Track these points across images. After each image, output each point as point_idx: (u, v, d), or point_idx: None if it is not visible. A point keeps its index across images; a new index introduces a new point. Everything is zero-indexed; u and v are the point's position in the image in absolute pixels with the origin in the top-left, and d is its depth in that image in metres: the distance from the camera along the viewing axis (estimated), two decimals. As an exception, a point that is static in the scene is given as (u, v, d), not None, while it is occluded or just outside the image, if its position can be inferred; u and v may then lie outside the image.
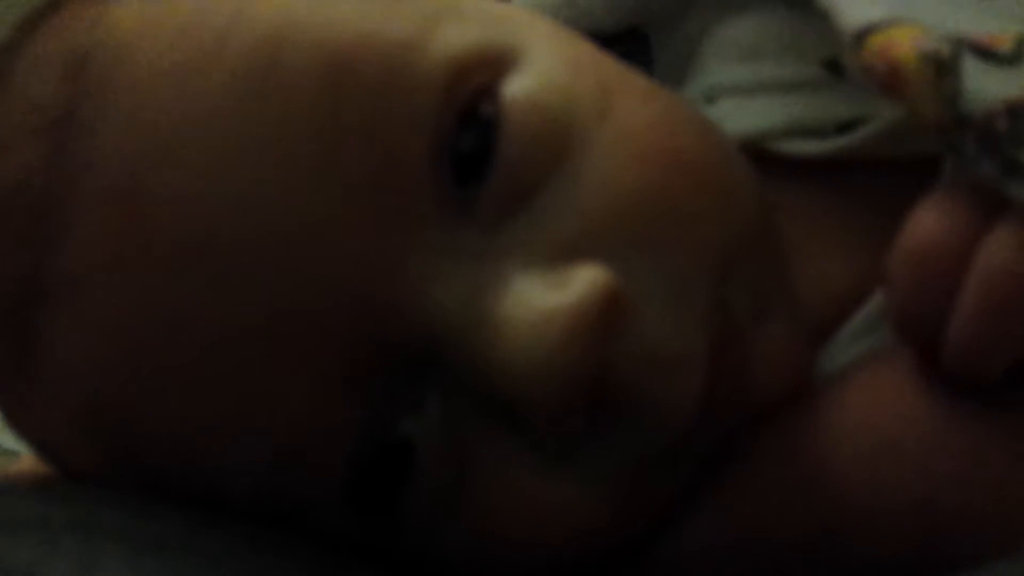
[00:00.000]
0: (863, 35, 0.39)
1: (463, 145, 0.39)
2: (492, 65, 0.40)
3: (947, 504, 0.38)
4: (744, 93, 0.48)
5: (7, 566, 0.36)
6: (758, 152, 0.46)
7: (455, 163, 0.39)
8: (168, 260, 0.38)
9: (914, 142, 0.43)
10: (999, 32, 0.38)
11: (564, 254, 0.39)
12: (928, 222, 0.38)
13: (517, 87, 0.40)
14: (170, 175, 0.38)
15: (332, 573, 0.39)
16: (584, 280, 0.38)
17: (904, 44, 0.38)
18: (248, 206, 0.37)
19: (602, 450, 0.39)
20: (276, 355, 0.38)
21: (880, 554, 0.39)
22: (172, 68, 0.39)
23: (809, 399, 0.41)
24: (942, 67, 0.37)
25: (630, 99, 0.41)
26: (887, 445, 0.39)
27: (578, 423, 0.38)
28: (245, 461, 0.39)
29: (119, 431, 0.40)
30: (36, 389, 0.41)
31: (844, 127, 0.46)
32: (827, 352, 0.44)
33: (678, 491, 0.41)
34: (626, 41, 0.49)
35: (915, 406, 0.39)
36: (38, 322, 0.40)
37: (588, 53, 0.43)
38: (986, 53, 0.37)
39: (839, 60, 0.45)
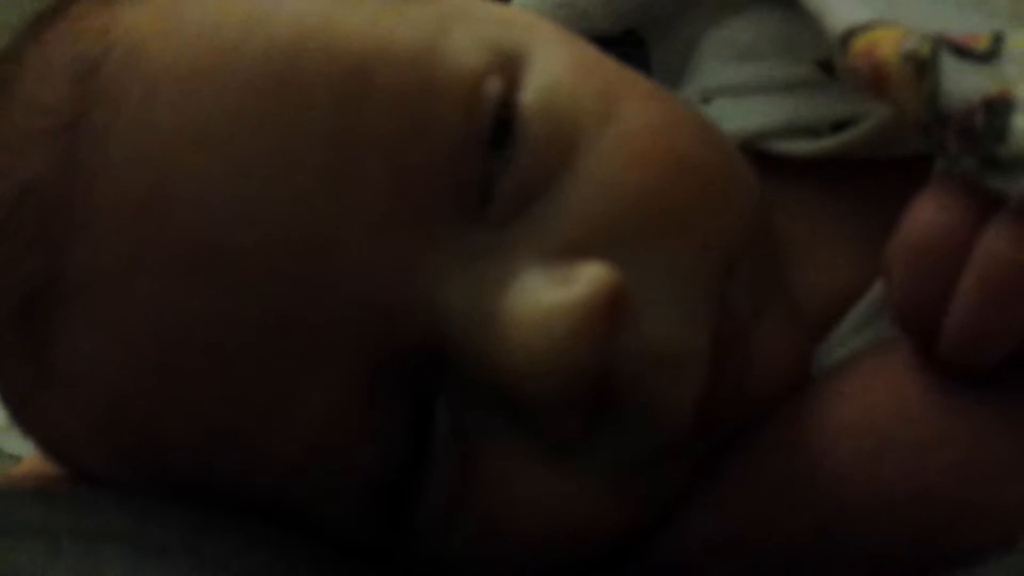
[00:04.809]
0: (848, 37, 0.39)
1: (491, 157, 0.39)
2: (505, 70, 0.40)
3: (946, 497, 0.38)
4: (739, 93, 0.48)
5: (9, 570, 0.36)
6: (753, 152, 0.46)
7: (481, 173, 0.39)
8: (181, 265, 0.38)
9: (907, 140, 0.43)
10: (978, 31, 0.38)
11: (569, 253, 0.39)
12: (926, 214, 0.38)
13: (529, 93, 0.40)
14: (183, 181, 0.38)
15: (332, 574, 0.39)
16: (588, 277, 0.38)
17: (887, 45, 0.38)
18: (260, 213, 0.38)
19: (605, 446, 0.40)
20: (289, 360, 0.38)
21: (878, 548, 0.39)
22: (186, 75, 0.39)
23: (807, 393, 0.41)
24: (922, 66, 0.37)
25: (632, 101, 0.42)
26: (886, 439, 0.39)
27: (581, 418, 0.39)
28: (258, 466, 0.39)
29: (132, 432, 0.40)
30: (50, 390, 0.41)
31: (839, 126, 0.46)
32: (825, 347, 0.44)
33: (680, 488, 0.41)
34: (623, 44, 0.50)
35: (914, 399, 0.39)
36: (52, 324, 0.40)
37: (591, 55, 0.44)
38: (964, 51, 0.37)
39: (833, 60, 0.45)
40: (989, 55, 0.37)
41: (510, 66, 0.41)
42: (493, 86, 0.40)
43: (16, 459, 0.65)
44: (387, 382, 0.39)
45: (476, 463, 0.40)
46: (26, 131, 0.41)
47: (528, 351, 0.38)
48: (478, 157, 0.39)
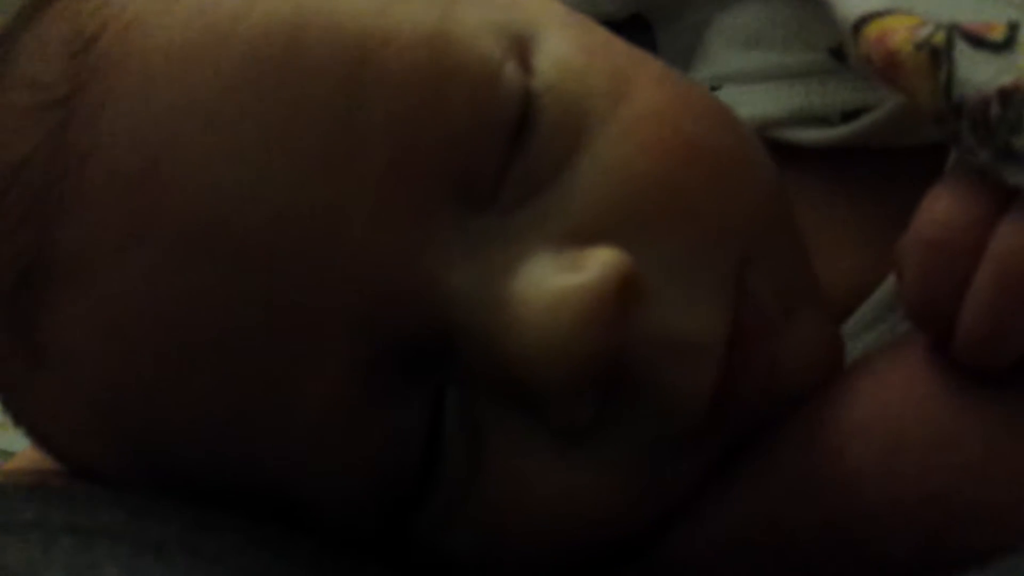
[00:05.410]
0: (861, 24, 0.39)
1: (508, 145, 0.39)
2: (518, 56, 0.40)
3: (960, 497, 0.38)
4: (749, 80, 0.48)
5: (4, 567, 0.36)
6: (762, 140, 0.45)
7: (497, 162, 0.39)
8: (176, 244, 0.37)
9: (919, 130, 0.43)
10: (993, 20, 0.37)
11: (579, 238, 0.38)
12: (941, 207, 0.37)
13: (541, 79, 0.40)
14: (179, 158, 0.37)
15: (331, 571, 0.39)
16: (600, 262, 0.37)
17: (900, 33, 0.38)
18: (259, 193, 0.37)
19: (615, 435, 0.39)
20: (289, 345, 0.37)
21: (891, 548, 0.38)
22: (182, 51, 0.38)
23: (821, 390, 0.41)
24: (936, 55, 0.37)
25: (643, 83, 0.41)
26: (900, 438, 0.39)
27: (590, 405, 0.38)
28: (256, 455, 0.39)
29: (127, 417, 0.40)
30: (42, 375, 0.41)
31: (850, 115, 0.46)
32: None
33: (694, 481, 0.40)
34: (629, 29, 0.49)
35: (928, 397, 0.39)
36: (42, 304, 0.39)
37: (600, 36, 0.43)
38: (979, 41, 0.37)
39: (845, 48, 0.45)
40: (1004, 45, 0.37)
41: (521, 50, 0.40)
42: (514, 75, 0.39)
43: (8, 455, 0.65)
44: (392, 371, 0.38)
45: (484, 453, 0.39)
46: (20, 107, 0.40)
47: (537, 335, 0.37)
48: (496, 145, 0.39)
